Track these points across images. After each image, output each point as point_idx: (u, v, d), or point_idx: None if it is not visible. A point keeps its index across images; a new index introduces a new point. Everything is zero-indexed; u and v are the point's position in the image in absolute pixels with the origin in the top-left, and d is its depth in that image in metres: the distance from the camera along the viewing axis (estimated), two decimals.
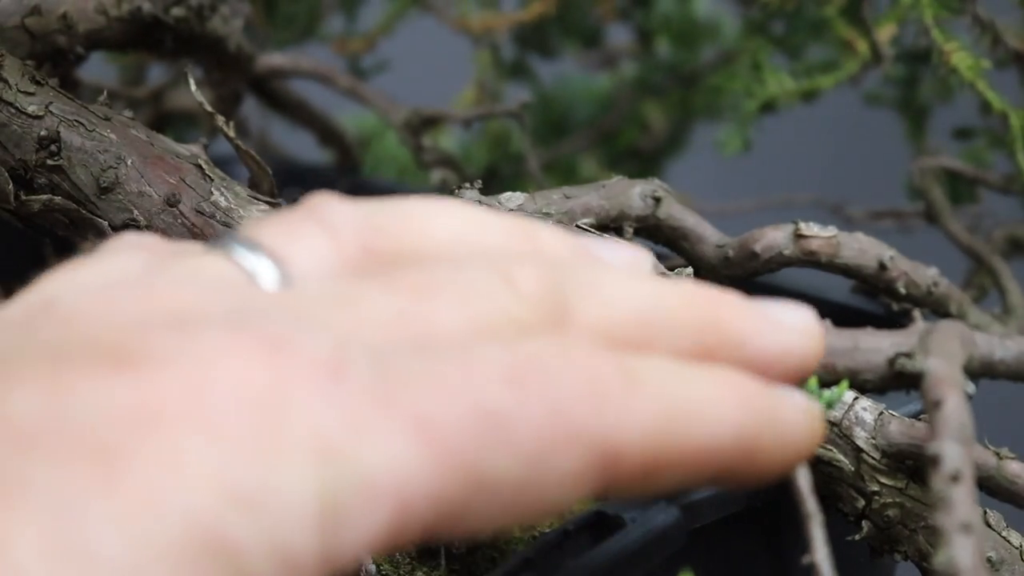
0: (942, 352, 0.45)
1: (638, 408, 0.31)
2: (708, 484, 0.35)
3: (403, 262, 0.33)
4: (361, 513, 0.29)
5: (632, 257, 0.38)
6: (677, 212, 0.62)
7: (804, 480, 0.43)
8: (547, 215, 0.58)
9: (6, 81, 0.55)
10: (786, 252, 0.61)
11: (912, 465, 0.52)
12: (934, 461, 0.41)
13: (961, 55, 0.71)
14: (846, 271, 0.62)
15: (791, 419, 0.35)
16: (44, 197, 0.55)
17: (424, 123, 0.83)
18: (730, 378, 0.34)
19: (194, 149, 0.58)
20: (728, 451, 0.33)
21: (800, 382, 0.46)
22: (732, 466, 0.34)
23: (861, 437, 0.52)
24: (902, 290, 0.62)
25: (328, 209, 0.34)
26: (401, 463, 0.29)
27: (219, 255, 0.33)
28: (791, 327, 0.37)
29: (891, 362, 0.47)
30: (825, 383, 0.47)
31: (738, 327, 0.36)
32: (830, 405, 0.47)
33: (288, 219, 0.34)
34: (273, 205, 0.58)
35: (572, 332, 0.33)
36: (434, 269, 0.32)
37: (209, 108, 0.59)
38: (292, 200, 0.61)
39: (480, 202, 0.56)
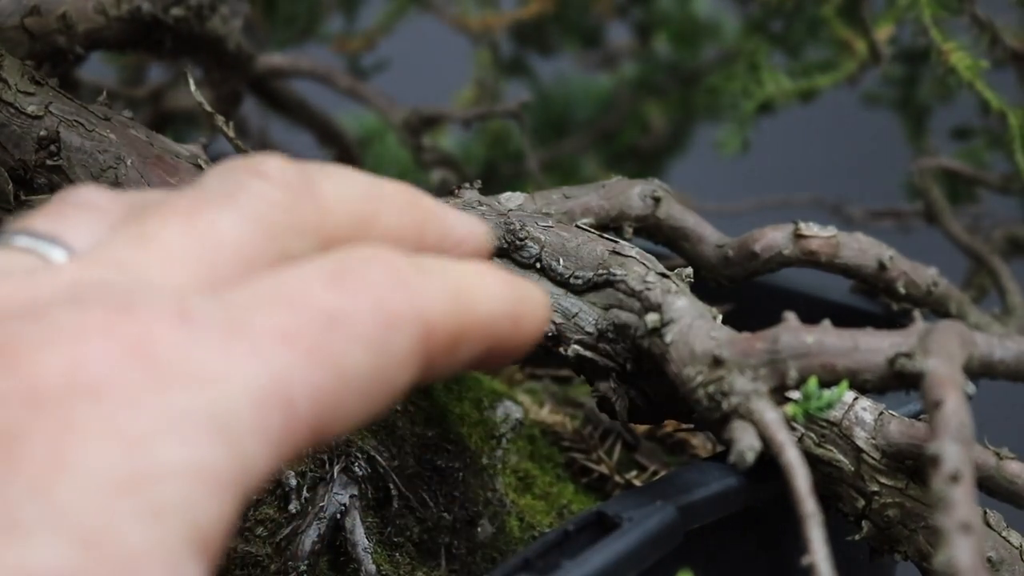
0: (942, 352, 0.45)
1: (435, 288, 0.37)
2: (489, 356, 0.40)
3: (159, 203, 0.37)
4: (256, 419, 0.32)
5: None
6: (677, 212, 0.62)
7: (803, 480, 0.43)
8: (547, 215, 0.58)
9: (6, 81, 0.55)
10: (786, 252, 0.61)
11: (912, 465, 0.52)
12: (934, 461, 0.41)
13: (960, 55, 0.71)
14: (846, 271, 0.62)
15: (535, 293, 0.41)
16: (44, 197, 0.55)
17: (424, 123, 0.83)
18: (488, 266, 0.41)
19: (194, 149, 0.58)
20: (503, 320, 0.40)
21: (800, 382, 0.46)
22: (506, 334, 0.40)
23: (861, 437, 0.52)
24: (902, 290, 0.62)
25: (82, 191, 0.38)
26: (276, 368, 0.33)
27: (3, 248, 0.36)
28: (468, 218, 0.44)
29: (891, 362, 0.47)
30: (825, 383, 0.47)
31: (441, 216, 0.43)
32: (830, 405, 0.47)
33: (49, 208, 0.37)
34: None
35: (336, 227, 0.38)
36: (202, 192, 0.37)
37: (209, 108, 0.59)
38: None
39: (480, 202, 0.56)
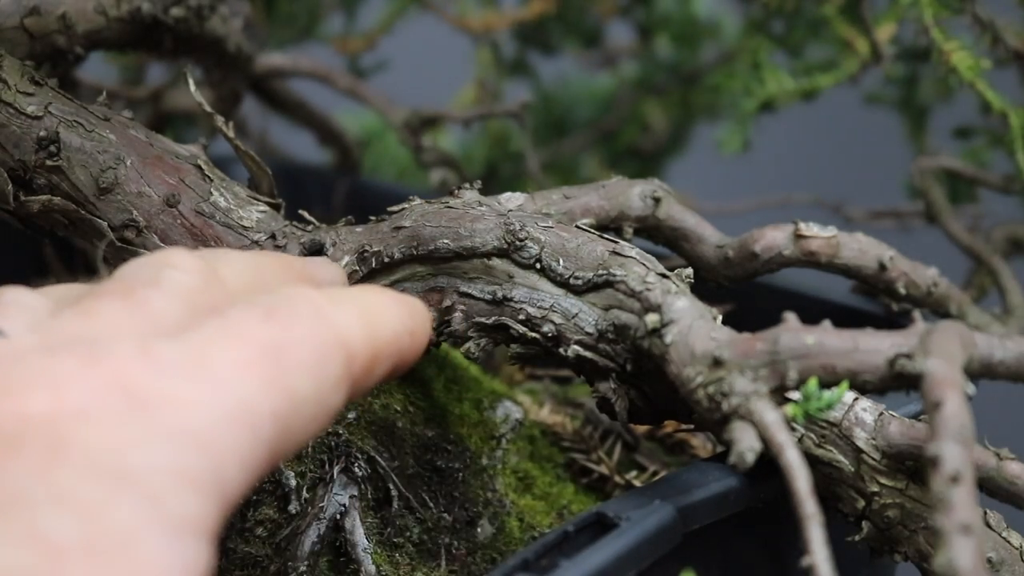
0: (942, 353, 0.45)
1: (348, 314, 0.42)
2: (395, 370, 0.45)
3: (88, 292, 0.41)
4: (228, 437, 0.36)
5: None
6: (677, 212, 0.62)
7: (803, 481, 0.43)
8: (547, 215, 0.58)
9: (5, 82, 0.55)
10: (786, 252, 0.61)
11: (912, 466, 0.52)
12: (934, 462, 0.41)
13: (961, 55, 0.71)
14: (846, 271, 0.62)
15: (419, 305, 0.48)
16: (43, 198, 0.55)
17: (424, 123, 0.83)
18: (380, 290, 0.47)
19: (193, 149, 0.58)
20: (404, 336, 0.45)
21: (800, 383, 0.46)
22: (407, 348, 0.45)
23: (861, 438, 0.52)
24: (902, 290, 0.62)
25: (7, 292, 0.41)
26: (242, 394, 0.37)
27: None
28: (325, 263, 0.52)
29: (891, 363, 0.47)
30: (825, 384, 0.47)
31: (310, 268, 0.50)
32: (830, 406, 0.47)
33: None
34: (273, 205, 0.58)
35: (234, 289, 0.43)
36: (124, 281, 0.41)
37: (208, 108, 0.59)
38: (291, 200, 0.61)
39: (480, 202, 0.56)
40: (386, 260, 0.55)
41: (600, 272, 0.53)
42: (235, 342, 0.38)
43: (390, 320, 0.45)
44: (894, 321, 0.66)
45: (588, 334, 0.53)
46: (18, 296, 0.41)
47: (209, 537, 0.35)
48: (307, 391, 0.39)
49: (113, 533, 0.33)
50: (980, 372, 0.48)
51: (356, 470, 0.55)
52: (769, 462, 0.45)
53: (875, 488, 0.52)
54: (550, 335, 0.54)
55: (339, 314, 0.42)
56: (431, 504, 0.57)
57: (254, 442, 0.37)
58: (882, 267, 0.61)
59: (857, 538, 0.53)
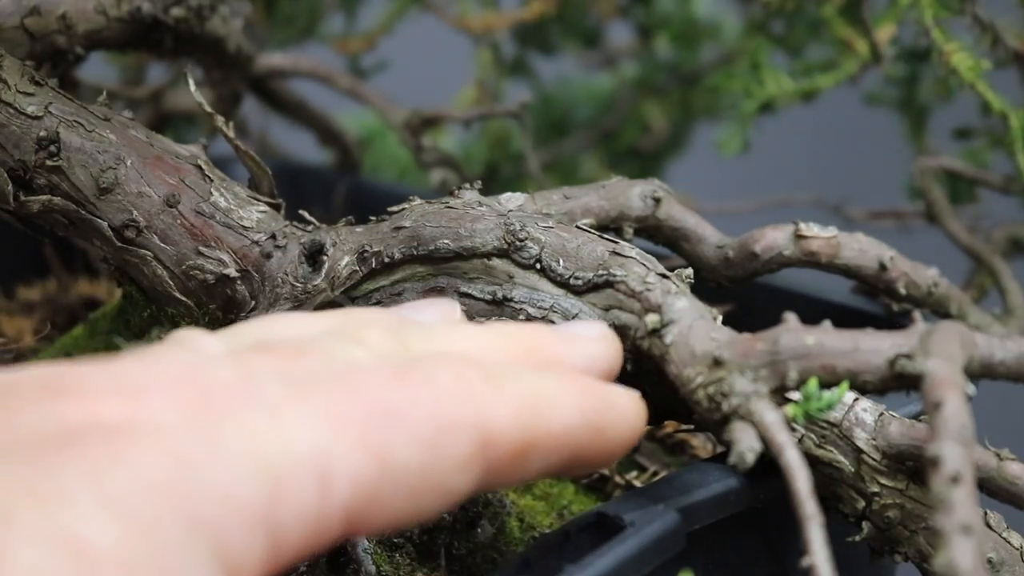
0: (942, 353, 0.45)
1: (502, 400, 0.38)
2: (569, 466, 0.41)
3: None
4: (291, 478, 0.34)
5: (441, 310, 0.47)
6: (677, 212, 0.62)
7: (804, 481, 0.43)
8: (547, 215, 0.58)
9: (5, 82, 0.55)
10: (786, 252, 0.61)
11: (912, 466, 0.52)
12: (934, 462, 0.41)
13: (961, 55, 0.71)
14: (846, 271, 0.61)
15: (623, 401, 0.43)
16: (43, 198, 0.55)
17: (424, 123, 0.83)
18: (571, 375, 0.42)
19: (194, 149, 0.58)
20: (579, 431, 0.41)
21: (800, 383, 0.46)
22: (588, 444, 0.41)
23: (861, 438, 0.52)
24: (902, 290, 0.62)
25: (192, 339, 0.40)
26: (320, 444, 0.34)
27: None
28: (590, 338, 0.47)
29: (891, 363, 0.47)
30: (825, 384, 0.47)
31: (553, 350, 0.45)
32: (830, 406, 0.47)
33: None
34: (273, 205, 0.58)
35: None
36: (297, 343, 0.39)
37: (208, 108, 0.59)
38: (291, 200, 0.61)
39: (480, 203, 0.56)
40: (386, 260, 0.55)
41: (600, 272, 0.53)
42: (344, 392, 0.36)
43: (563, 410, 0.40)
44: (894, 321, 0.66)
45: None
46: (198, 340, 0.39)
47: None
48: (411, 463, 0.36)
49: (156, 553, 0.31)
50: (980, 372, 0.48)
51: None
52: (769, 462, 0.45)
53: (875, 488, 0.52)
54: None
55: (489, 393, 0.38)
56: None
57: (320, 497, 0.34)
58: (882, 267, 0.61)
59: (857, 538, 0.53)
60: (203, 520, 0.32)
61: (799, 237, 0.61)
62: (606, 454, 0.42)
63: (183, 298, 0.56)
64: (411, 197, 0.57)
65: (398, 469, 0.35)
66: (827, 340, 0.47)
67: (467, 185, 0.58)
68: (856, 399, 0.52)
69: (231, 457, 0.33)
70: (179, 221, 0.56)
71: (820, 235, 0.60)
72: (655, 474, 0.66)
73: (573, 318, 0.53)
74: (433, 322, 0.44)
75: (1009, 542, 0.52)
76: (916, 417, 0.53)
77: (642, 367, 0.52)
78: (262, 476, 0.33)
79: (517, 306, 0.54)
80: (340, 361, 0.38)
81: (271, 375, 0.36)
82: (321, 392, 0.35)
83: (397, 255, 0.55)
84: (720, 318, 0.50)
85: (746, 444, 0.45)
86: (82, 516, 0.30)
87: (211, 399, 0.34)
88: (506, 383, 0.39)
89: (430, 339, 0.41)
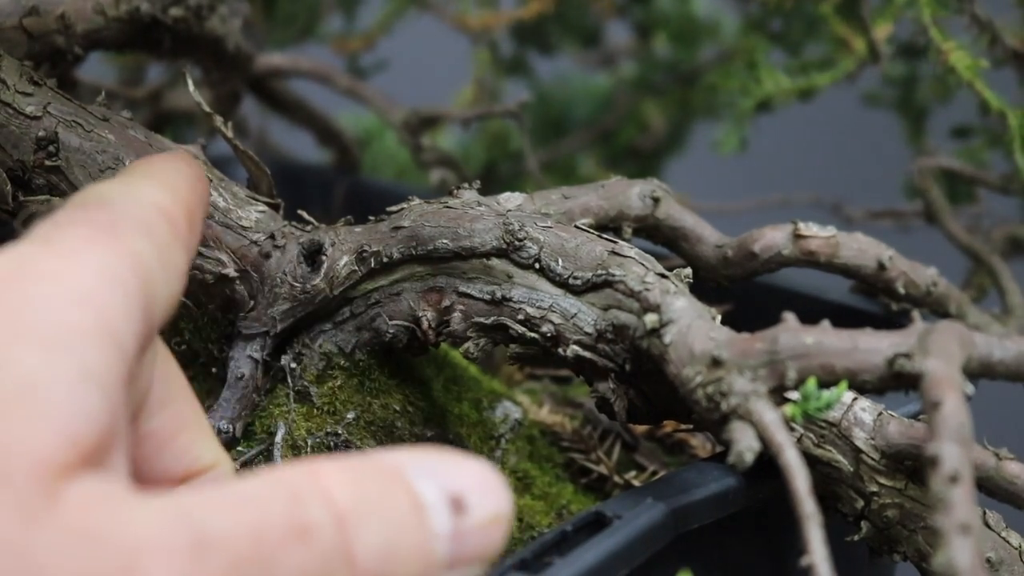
0: (941, 353, 0.45)
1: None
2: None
3: None
4: (107, 295, 0.37)
5: None
6: (676, 212, 0.62)
7: (802, 481, 0.43)
8: (546, 215, 0.58)
9: (4, 82, 0.55)
10: (785, 252, 0.61)
11: (911, 466, 0.52)
12: (933, 462, 0.41)
13: (959, 54, 0.71)
14: (845, 271, 0.61)
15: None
16: (42, 198, 0.55)
17: (423, 123, 0.83)
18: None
19: (192, 149, 0.58)
20: (199, 187, 0.46)
21: (799, 383, 0.46)
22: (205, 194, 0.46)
23: (860, 438, 0.52)
24: (901, 290, 0.62)
25: None
26: (108, 262, 0.38)
27: None
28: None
29: (890, 363, 0.47)
30: (824, 384, 0.47)
31: None
32: (829, 406, 0.47)
33: None
34: (271, 205, 0.58)
35: None
36: None
37: (207, 108, 0.59)
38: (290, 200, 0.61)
39: (479, 202, 0.56)
40: (385, 260, 0.55)
41: (599, 272, 0.53)
42: (69, 228, 0.39)
43: (179, 173, 0.45)
44: (893, 321, 0.66)
45: (587, 334, 0.53)
46: None
47: (116, 386, 0.36)
48: (148, 251, 0.40)
49: (16, 381, 0.34)
50: (979, 372, 0.48)
51: None
52: (768, 462, 0.45)
53: (874, 488, 0.52)
54: (549, 335, 0.54)
55: (143, 188, 0.42)
56: None
57: (127, 296, 0.38)
58: (881, 267, 0.61)
59: (856, 538, 0.53)
60: (55, 348, 0.35)
61: (798, 237, 0.61)
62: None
63: (182, 298, 0.56)
64: (410, 197, 0.57)
65: (147, 259, 0.40)
66: (826, 340, 0.47)
67: (466, 185, 0.58)
68: (855, 399, 0.52)
69: (56, 296, 0.36)
70: None
71: (819, 235, 0.60)
72: (654, 474, 0.66)
73: (572, 318, 0.53)
74: None
75: (1008, 541, 0.52)
76: (915, 416, 0.53)
77: (641, 367, 0.53)
78: (86, 302, 0.36)
79: (516, 306, 0.54)
80: None
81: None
82: (53, 235, 0.38)
83: (396, 255, 0.55)
84: (719, 318, 0.50)
85: (745, 443, 0.45)
86: None
87: (19, 262, 0.37)
88: (137, 179, 0.43)
89: None
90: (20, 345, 0.35)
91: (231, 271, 0.56)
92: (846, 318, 0.53)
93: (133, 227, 0.41)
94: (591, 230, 0.55)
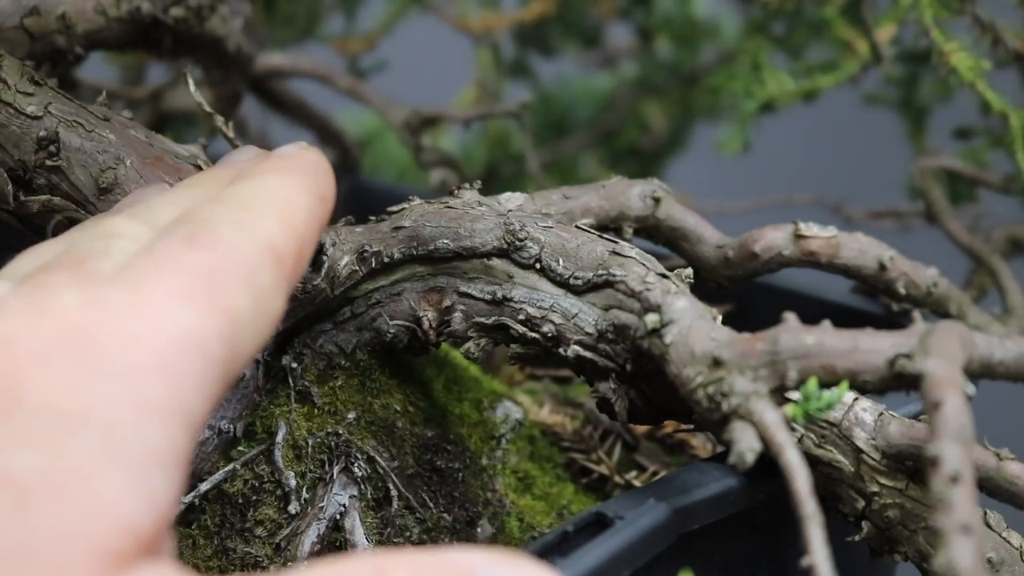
0: (942, 353, 0.45)
1: (267, 217, 0.43)
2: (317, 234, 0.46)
3: (44, 268, 0.41)
4: (183, 365, 0.37)
5: (145, 192, 0.51)
6: (677, 212, 0.62)
7: (803, 481, 0.43)
8: (547, 215, 0.58)
9: (5, 82, 0.55)
10: (786, 252, 0.61)
11: (912, 466, 0.52)
12: (934, 462, 0.41)
13: (961, 55, 0.71)
14: (846, 271, 0.62)
15: (324, 164, 0.49)
16: (43, 198, 0.55)
17: (424, 123, 0.83)
18: (288, 173, 0.46)
19: (193, 149, 0.58)
20: (320, 206, 0.46)
21: (800, 383, 0.46)
22: (325, 216, 0.47)
23: (861, 438, 0.52)
24: (902, 290, 0.62)
25: None
26: (186, 322, 0.38)
27: None
28: (243, 151, 0.51)
29: (891, 363, 0.47)
30: (825, 384, 0.47)
31: (237, 169, 0.48)
32: (830, 406, 0.47)
33: None
34: None
35: None
36: (74, 255, 0.41)
37: (208, 108, 0.59)
38: None
39: (480, 203, 0.56)
40: (386, 260, 0.55)
41: (600, 272, 0.53)
42: (166, 273, 0.38)
43: (302, 200, 0.44)
44: (894, 321, 0.66)
45: (588, 334, 0.53)
46: None
47: (178, 465, 0.35)
48: (245, 305, 0.39)
49: (74, 468, 0.33)
50: (980, 372, 0.48)
51: (356, 470, 0.55)
52: (769, 462, 0.45)
53: (875, 488, 0.52)
54: (550, 335, 0.54)
55: (259, 220, 0.42)
56: (431, 504, 0.57)
57: (207, 364, 0.37)
58: (882, 267, 0.61)
59: (857, 538, 0.53)
60: (114, 430, 0.35)
61: (799, 237, 0.61)
62: (328, 210, 0.47)
63: None
64: (411, 197, 0.57)
65: (240, 314, 0.39)
66: (827, 340, 0.47)
67: (467, 185, 0.58)
68: (856, 399, 0.52)
69: (123, 370, 0.35)
70: None
71: (820, 235, 0.60)
72: (655, 474, 0.66)
73: (573, 318, 0.53)
74: (143, 204, 0.47)
75: (1009, 542, 0.52)
76: (916, 417, 0.53)
77: (642, 367, 0.53)
78: (158, 374, 0.36)
79: (517, 306, 0.54)
80: (121, 253, 0.40)
81: (102, 286, 0.38)
82: (151, 278, 0.38)
83: (397, 255, 0.55)
84: (720, 318, 0.50)
85: (746, 444, 0.45)
86: (3, 455, 0.33)
87: (75, 323, 0.36)
88: (262, 204, 0.43)
89: (161, 212, 0.44)
90: (88, 421, 0.34)
91: None
92: (847, 318, 0.53)
93: (234, 278, 0.39)
94: (592, 230, 0.55)
